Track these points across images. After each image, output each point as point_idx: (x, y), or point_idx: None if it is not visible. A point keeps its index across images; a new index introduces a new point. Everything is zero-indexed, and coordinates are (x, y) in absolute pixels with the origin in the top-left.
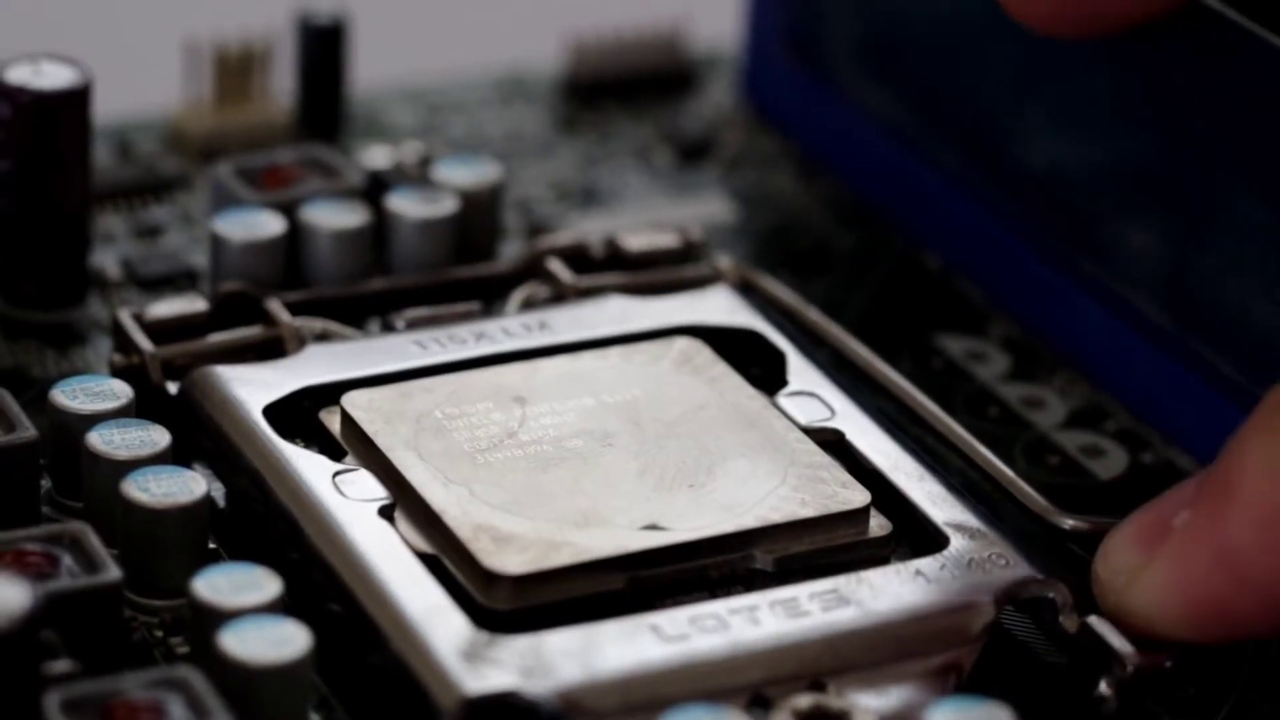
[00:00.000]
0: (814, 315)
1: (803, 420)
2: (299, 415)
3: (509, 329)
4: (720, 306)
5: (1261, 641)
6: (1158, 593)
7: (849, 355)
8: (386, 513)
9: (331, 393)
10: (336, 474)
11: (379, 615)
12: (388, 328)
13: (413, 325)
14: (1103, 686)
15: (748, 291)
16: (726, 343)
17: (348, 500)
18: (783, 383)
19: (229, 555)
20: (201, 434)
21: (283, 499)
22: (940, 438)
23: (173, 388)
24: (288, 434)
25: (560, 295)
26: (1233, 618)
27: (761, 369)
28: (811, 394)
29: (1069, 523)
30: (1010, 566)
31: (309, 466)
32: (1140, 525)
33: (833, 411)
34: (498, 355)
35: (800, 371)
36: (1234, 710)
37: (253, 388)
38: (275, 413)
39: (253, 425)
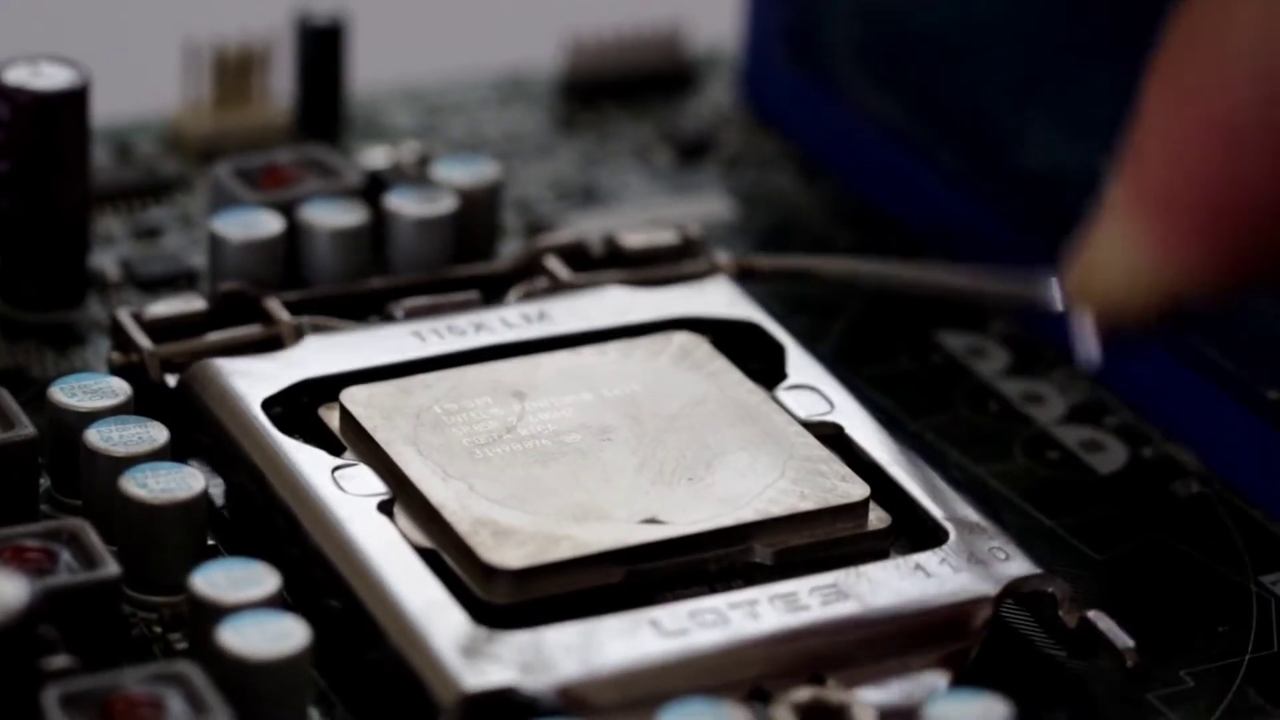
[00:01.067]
0: (820, 262)
1: (802, 414)
2: (298, 409)
3: (508, 320)
4: (720, 298)
5: (1260, 635)
6: (1117, 257)
7: (863, 276)
8: (386, 508)
9: (331, 385)
10: (336, 469)
11: (378, 611)
12: (387, 317)
13: (412, 315)
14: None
15: (747, 280)
16: (726, 334)
17: (347, 495)
18: (782, 376)
19: (228, 551)
20: (200, 428)
21: (282, 494)
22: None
23: (171, 380)
24: (287, 427)
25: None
26: (1195, 241)
27: (761, 361)
28: (811, 388)
29: (1058, 296)
30: (1010, 561)
31: (308, 461)
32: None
33: (832, 405)
34: (497, 347)
35: (800, 365)
36: (1232, 704)
37: (252, 380)
38: (275, 406)
39: (252, 419)
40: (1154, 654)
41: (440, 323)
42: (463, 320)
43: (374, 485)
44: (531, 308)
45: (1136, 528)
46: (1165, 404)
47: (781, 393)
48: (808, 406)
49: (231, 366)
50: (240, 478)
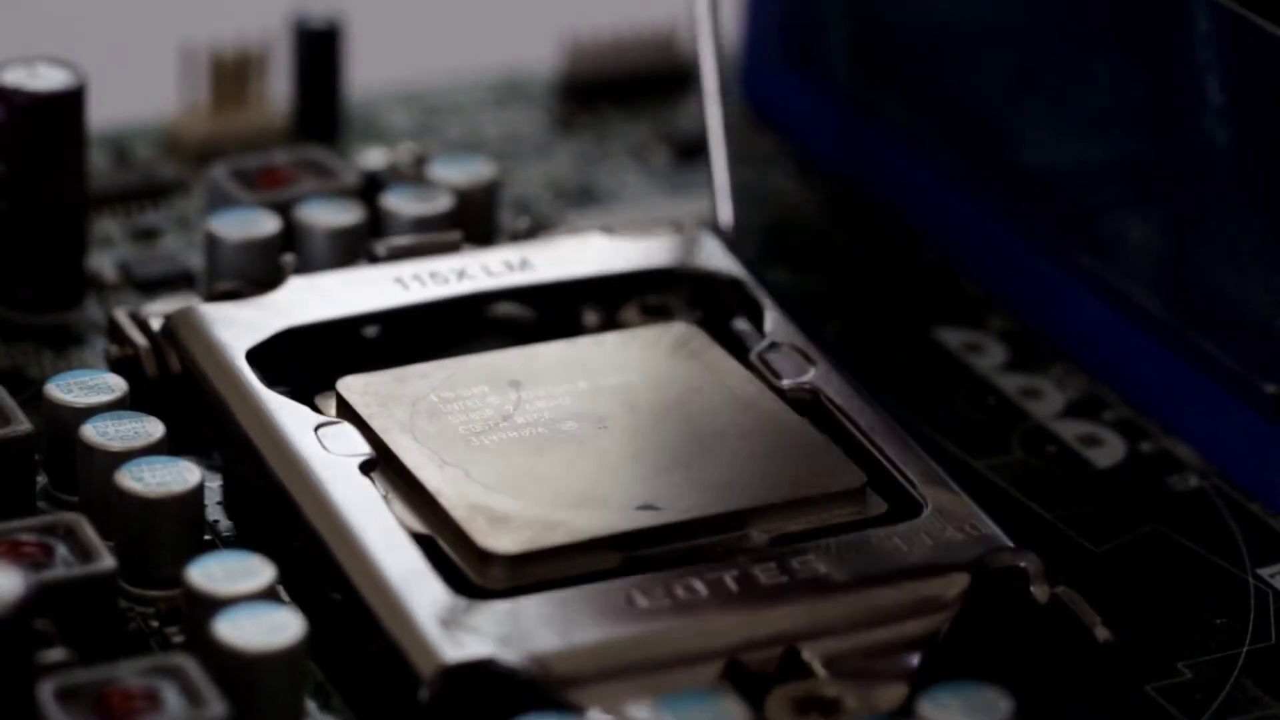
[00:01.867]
0: None
1: (778, 376)
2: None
3: (490, 267)
4: (704, 251)
5: (1258, 627)
6: None
7: None
8: (367, 468)
9: (314, 333)
10: (319, 426)
11: (359, 580)
12: (370, 257)
13: (394, 254)
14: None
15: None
16: (706, 290)
17: (329, 454)
18: (760, 335)
19: (224, 545)
20: (185, 377)
21: (263, 451)
22: None
23: (156, 323)
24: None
25: None
26: None
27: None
28: (790, 347)
29: None
30: (983, 535)
31: (291, 418)
32: None
33: (809, 369)
34: (480, 295)
35: (777, 325)
36: (1230, 696)
37: (236, 330)
38: (258, 356)
39: (236, 372)
40: (1152, 646)
41: (422, 267)
42: (445, 265)
43: (357, 445)
44: (513, 254)
45: (1134, 521)
46: (1163, 399)
47: (756, 354)
48: (784, 367)
49: (216, 313)
50: (224, 438)
